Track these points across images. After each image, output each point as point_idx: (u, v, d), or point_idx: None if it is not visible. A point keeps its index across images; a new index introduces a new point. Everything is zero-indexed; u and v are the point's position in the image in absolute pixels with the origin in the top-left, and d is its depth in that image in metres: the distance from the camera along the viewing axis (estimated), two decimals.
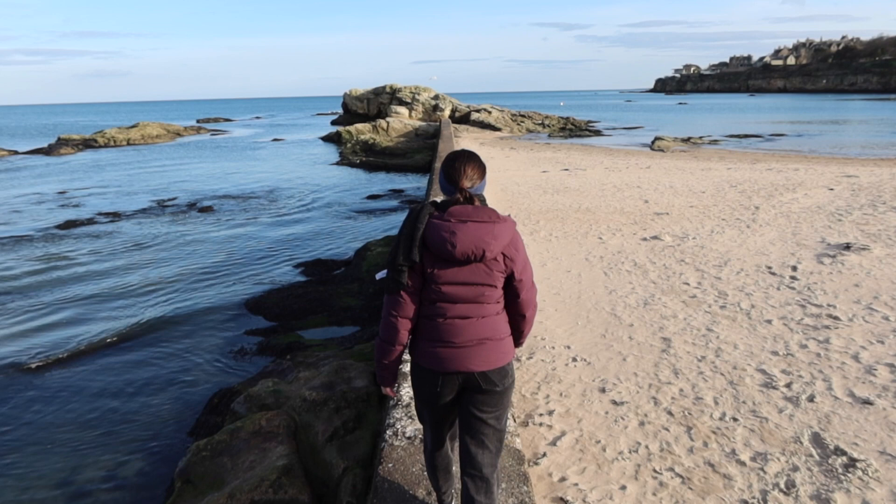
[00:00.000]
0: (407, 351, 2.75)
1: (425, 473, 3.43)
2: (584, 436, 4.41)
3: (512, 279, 2.59)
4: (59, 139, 48.47)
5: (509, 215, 2.61)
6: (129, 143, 49.77)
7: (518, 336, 2.80)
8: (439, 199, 2.71)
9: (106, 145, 47.84)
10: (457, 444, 2.90)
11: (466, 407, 2.68)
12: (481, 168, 2.63)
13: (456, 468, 2.94)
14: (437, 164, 16.32)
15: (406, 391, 4.46)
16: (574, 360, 5.68)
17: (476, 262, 2.49)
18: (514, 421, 4.16)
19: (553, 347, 5.97)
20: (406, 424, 4.02)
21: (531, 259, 8.98)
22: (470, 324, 2.56)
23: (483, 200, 2.65)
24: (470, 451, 2.68)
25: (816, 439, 4.20)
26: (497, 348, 2.62)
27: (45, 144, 46.34)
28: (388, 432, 3.97)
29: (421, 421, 2.93)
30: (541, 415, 4.72)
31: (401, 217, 17.54)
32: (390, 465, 3.60)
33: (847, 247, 8.97)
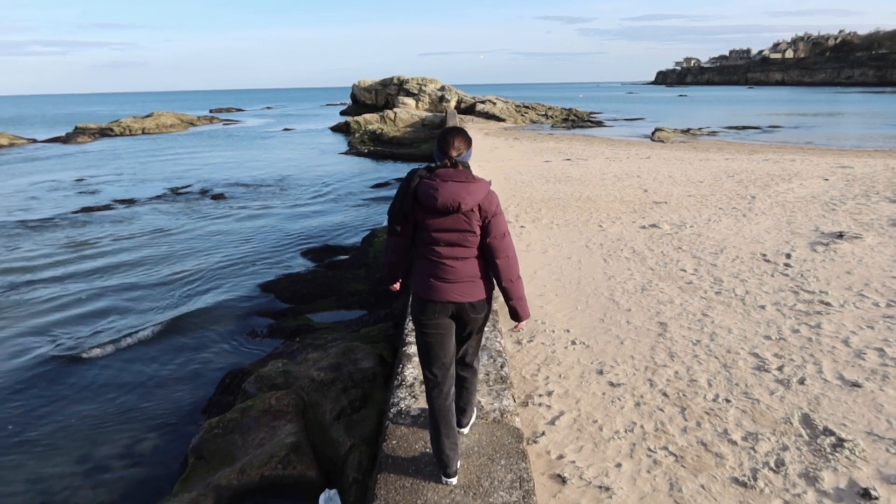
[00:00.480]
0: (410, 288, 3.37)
1: (427, 449, 3.56)
2: (581, 416, 4.54)
3: (487, 230, 3.14)
4: (76, 128, 48.84)
5: (490, 181, 3.15)
6: (143, 133, 50.27)
7: (507, 297, 3.31)
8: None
9: (121, 134, 48.37)
10: (452, 395, 3.38)
11: (458, 344, 3.40)
12: (467, 140, 3.20)
13: (453, 423, 3.38)
14: None
15: (410, 372, 4.60)
16: (573, 343, 5.81)
17: (455, 213, 3.05)
18: (514, 401, 4.28)
19: (553, 331, 6.10)
20: (410, 404, 4.14)
21: (533, 244, 9.13)
22: (460, 265, 3.16)
23: (467, 167, 3.17)
24: (462, 375, 3.51)
25: (806, 420, 4.33)
26: (482, 285, 3.25)
27: (62, 133, 46.76)
28: (392, 411, 4.10)
29: (422, 361, 3.37)
30: (540, 395, 4.86)
31: None
32: (394, 442, 3.72)
33: (840, 235, 9.11)
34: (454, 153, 3.10)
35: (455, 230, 3.09)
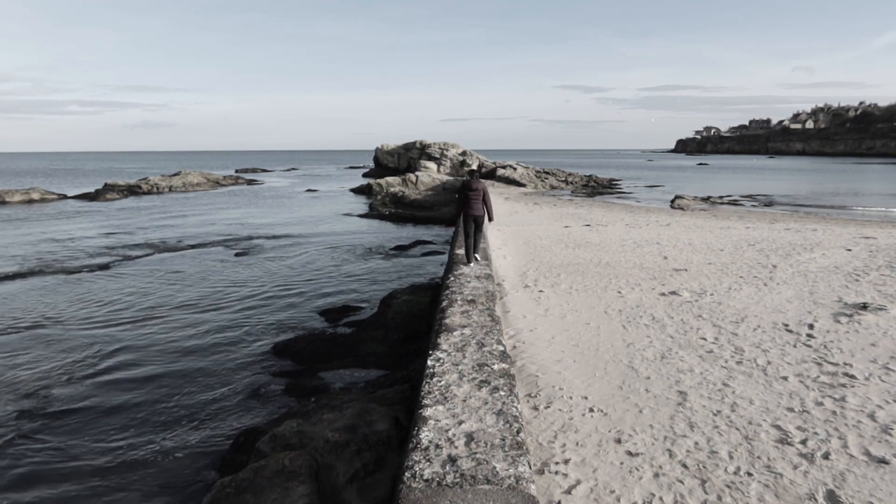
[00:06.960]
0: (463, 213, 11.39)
1: None
2: (598, 485, 4.45)
3: (484, 197, 10.97)
4: (105, 185, 50.20)
5: (484, 183, 11.39)
6: (171, 190, 51.64)
7: (489, 215, 11.22)
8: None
9: (149, 192, 49.68)
10: (471, 242, 11.19)
11: (475, 227, 11.18)
12: (479, 174, 11.75)
13: (472, 250, 11.30)
14: None
15: (425, 435, 4.56)
16: (591, 410, 5.74)
17: (475, 192, 10.90)
18: (530, 468, 4.22)
19: (571, 397, 6.03)
20: (424, 467, 4.09)
21: (551, 309, 9.15)
22: (476, 205, 10.93)
23: (478, 177, 11.15)
24: (475, 236, 11.24)
25: (831, 497, 4.20)
26: (483, 211, 11.06)
27: (92, 189, 48.16)
28: (406, 474, 4.05)
29: (465, 234, 11.16)
30: (556, 463, 4.78)
31: (425, 264, 18.86)
32: None
33: (864, 306, 8.98)
34: (476, 176, 11.06)
35: (475, 196, 10.82)
